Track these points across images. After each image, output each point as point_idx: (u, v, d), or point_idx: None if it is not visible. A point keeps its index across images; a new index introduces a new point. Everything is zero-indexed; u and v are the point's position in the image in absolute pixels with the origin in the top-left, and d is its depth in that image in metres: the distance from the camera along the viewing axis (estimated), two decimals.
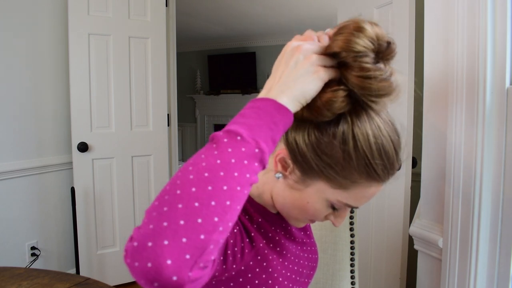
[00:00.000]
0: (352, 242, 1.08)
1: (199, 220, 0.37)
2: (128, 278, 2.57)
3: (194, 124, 6.63)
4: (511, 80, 0.88)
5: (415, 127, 1.61)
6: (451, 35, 1.01)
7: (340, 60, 0.49)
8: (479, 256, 0.94)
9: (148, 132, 2.59)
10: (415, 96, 1.61)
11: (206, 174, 0.40)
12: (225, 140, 0.43)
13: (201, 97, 6.33)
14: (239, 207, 0.41)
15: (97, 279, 1.16)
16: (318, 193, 0.58)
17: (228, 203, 0.40)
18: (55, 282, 1.09)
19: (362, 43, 0.47)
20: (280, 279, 0.65)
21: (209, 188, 0.39)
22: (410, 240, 1.40)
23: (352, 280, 1.07)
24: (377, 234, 1.80)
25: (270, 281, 0.63)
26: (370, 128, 0.53)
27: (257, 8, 4.25)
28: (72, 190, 2.35)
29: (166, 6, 2.64)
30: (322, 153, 0.54)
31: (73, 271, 2.47)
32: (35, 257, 2.26)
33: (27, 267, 2.03)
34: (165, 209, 0.38)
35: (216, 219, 0.38)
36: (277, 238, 0.69)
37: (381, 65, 0.49)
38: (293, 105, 0.48)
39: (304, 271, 0.74)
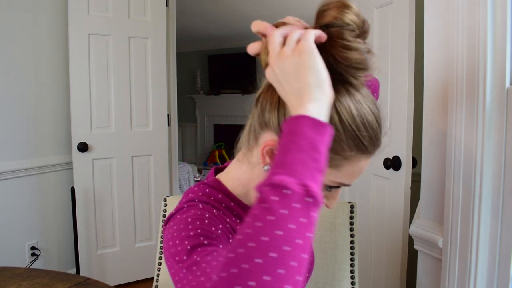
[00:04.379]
0: (352, 242, 1.08)
1: None
2: (128, 278, 2.57)
3: (194, 124, 6.63)
4: (511, 80, 0.88)
5: (415, 127, 1.62)
6: (451, 35, 1.01)
7: (328, 31, 0.51)
8: (479, 256, 0.94)
9: (148, 132, 2.59)
10: (415, 96, 1.61)
11: (272, 255, 0.40)
12: (275, 198, 0.42)
13: (201, 97, 6.33)
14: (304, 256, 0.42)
15: (97, 279, 1.16)
16: None
17: (294, 264, 0.40)
18: (55, 282, 1.09)
19: (350, 17, 0.50)
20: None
21: (280, 271, 0.39)
22: (410, 240, 1.40)
23: (352, 280, 1.07)
24: (377, 234, 1.80)
25: None
26: (351, 101, 0.54)
27: (257, 8, 4.25)
28: (72, 190, 2.35)
29: (166, 6, 2.64)
30: None
31: (73, 271, 2.47)
32: (35, 257, 2.26)
33: (27, 267, 2.03)
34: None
35: (287, 286, 0.39)
36: None
37: (360, 40, 0.51)
38: (322, 107, 0.48)
39: None
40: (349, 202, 1.10)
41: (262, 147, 0.58)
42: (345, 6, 0.50)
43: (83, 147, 2.32)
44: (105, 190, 2.46)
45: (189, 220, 0.57)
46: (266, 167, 0.59)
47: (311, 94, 0.47)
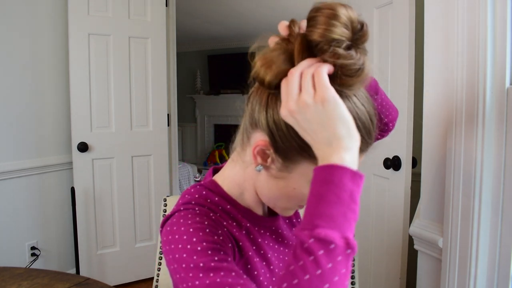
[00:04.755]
0: None
1: None
2: (128, 278, 2.57)
3: (194, 124, 6.63)
4: (511, 80, 0.88)
5: (415, 127, 1.61)
6: (451, 35, 1.01)
7: (317, 47, 0.50)
8: (479, 256, 0.94)
9: (148, 132, 2.59)
10: (415, 96, 1.61)
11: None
12: (321, 252, 0.45)
13: (201, 97, 6.33)
14: None
15: (97, 279, 1.16)
16: (303, 176, 0.57)
17: None
18: (55, 282, 1.09)
19: (339, 32, 0.49)
20: (265, 283, 0.65)
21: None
22: (410, 240, 1.40)
23: (352, 280, 1.07)
24: (377, 234, 1.80)
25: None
26: (346, 104, 0.53)
27: (257, 8, 4.25)
28: (72, 190, 2.35)
29: (166, 6, 2.64)
30: None
31: (73, 271, 2.47)
32: (35, 257, 2.26)
33: (27, 267, 2.03)
34: None
35: None
36: (266, 242, 0.68)
37: (352, 52, 0.50)
38: (355, 155, 0.50)
39: None
40: None
41: (253, 147, 0.58)
42: (334, 17, 0.49)
43: (83, 147, 2.32)
44: (105, 190, 2.46)
45: (191, 230, 0.57)
46: (258, 168, 0.59)
47: (344, 143, 0.49)
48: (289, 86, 0.50)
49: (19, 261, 2.19)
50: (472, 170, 0.94)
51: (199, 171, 5.62)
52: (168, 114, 2.74)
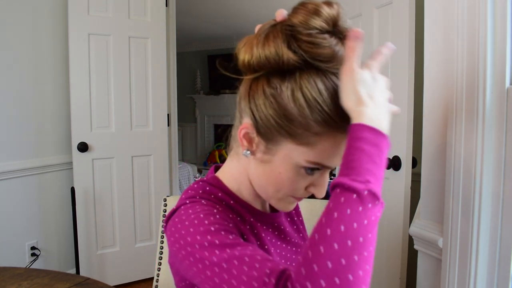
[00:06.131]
0: None
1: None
2: (128, 278, 2.57)
3: (194, 124, 6.63)
4: (511, 80, 0.88)
5: (415, 127, 1.61)
6: (451, 35, 1.01)
7: (296, 32, 0.53)
8: (479, 256, 0.94)
9: (148, 132, 2.59)
10: (415, 96, 1.61)
11: (365, 254, 0.47)
12: (370, 205, 0.47)
13: (201, 97, 6.33)
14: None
15: (97, 279, 1.16)
16: (286, 158, 0.57)
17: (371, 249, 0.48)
18: (55, 282, 1.09)
19: (318, 23, 0.52)
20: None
21: (365, 253, 0.47)
22: (410, 240, 1.40)
23: None
24: (377, 234, 1.80)
25: None
26: (318, 80, 0.55)
27: (258, 8, 4.25)
28: (72, 190, 2.35)
29: (166, 6, 2.64)
30: (279, 108, 0.56)
31: (73, 271, 2.47)
32: (35, 257, 2.26)
33: (27, 267, 2.03)
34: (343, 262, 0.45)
35: (367, 267, 0.47)
36: (268, 238, 0.68)
37: (326, 35, 0.53)
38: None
39: None
40: None
41: (239, 131, 0.60)
42: (315, 12, 0.52)
43: (83, 147, 2.32)
44: (105, 190, 2.46)
45: (202, 215, 0.57)
46: (245, 152, 0.61)
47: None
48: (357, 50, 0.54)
49: (19, 261, 2.19)
50: (472, 170, 0.94)
51: (199, 171, 5.62)
52: (168, 114, 2.74)
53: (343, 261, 0.44)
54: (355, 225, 0.45)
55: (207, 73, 6.27)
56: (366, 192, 0.47)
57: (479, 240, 0.94)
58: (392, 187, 1.68)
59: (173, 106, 2.88)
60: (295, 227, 0.78)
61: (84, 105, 2.34)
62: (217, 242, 0.52)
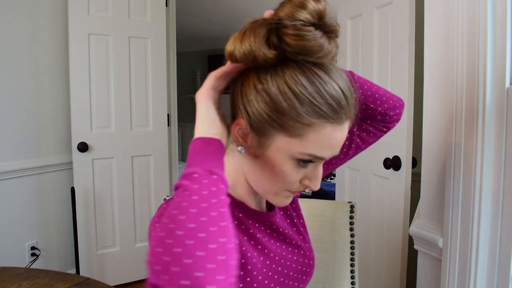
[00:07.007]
0: (352, 242, 1.08)
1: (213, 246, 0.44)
2: (128, 278, 2.57)
3: (194, 124, 6.61)
4: (511, 80, 0.88)
5: (415, 127, 1.62)
6: (451, 35, 1.01)
7: (281, 24, 0.54)
8: (479, 256, 0.94)
9: (148, 132, 2.59)
10: (415, 96, 1.61)
11: (202, 219, 0.46)
12: (187, 182, 0.49)
13: None
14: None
15: (97, 279, 1.16)
16: (280, 151, 0.58)
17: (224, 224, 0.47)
18: (55, 282, 1.09)
19: (303, 16, 0.53)
20: (260, 277, 0.65)
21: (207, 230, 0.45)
22: (410, 240, 1.40)
23: (352, 280, 1.07)
24: (377, 234, 1.80)
25: (248, 279, 0.63)
26: (303, 73, 0.56)
27: (258, 8, 4.25)
28: (72, 190, 2.35)
29: (166, 6, 2.64)
30: (270, 102, 0.56)
31: (73, 271, 2.47)
32: (35, 257, 2.26)
33: (27, 267, 2.03)
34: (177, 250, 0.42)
35: (222, 239, 0.45)
36: (258, 235, 0.68)
37: (311, 27, 0.53)
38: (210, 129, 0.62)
39: (293, 274, 0.72)
40: (349, 202, 1.10)
41: (233, 127, 0.61)
42: (301, 5, 0.52)
43: (83, 147, 2.32)
44: (105, 190, 2.46)
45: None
46: (239, 148, 0.62)
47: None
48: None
49: (19, 261, 2.19)
50: (472, 170, 0.94)
51: None
52: (168, 114, 2.74)
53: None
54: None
55: (207, 73, 6.15)
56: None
57: (479, 240, 0.94)
58: (392, 187, 1.68)
59: (173, 106, 2.88)
60: (294, 229, 0.78)
61: (84, 105, 2.34)
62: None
